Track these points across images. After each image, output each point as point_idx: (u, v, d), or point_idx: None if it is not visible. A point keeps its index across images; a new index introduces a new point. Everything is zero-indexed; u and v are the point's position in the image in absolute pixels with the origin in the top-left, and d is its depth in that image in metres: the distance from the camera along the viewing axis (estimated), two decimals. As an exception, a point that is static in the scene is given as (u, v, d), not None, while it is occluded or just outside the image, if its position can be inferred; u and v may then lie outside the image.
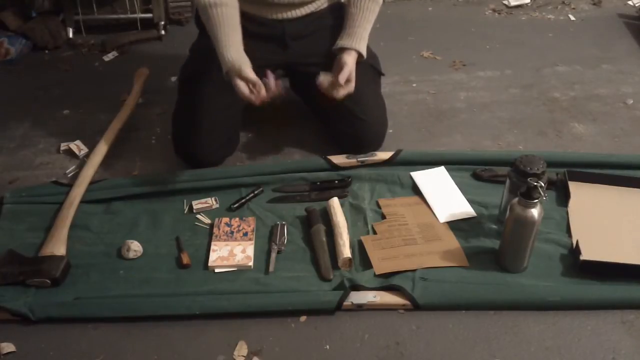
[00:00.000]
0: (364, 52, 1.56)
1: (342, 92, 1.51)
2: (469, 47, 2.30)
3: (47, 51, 2.30)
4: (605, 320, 1.24)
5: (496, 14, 2.57)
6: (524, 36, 2.38)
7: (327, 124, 1.74)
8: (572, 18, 2.52)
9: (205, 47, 1.65)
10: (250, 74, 1.43)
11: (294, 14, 1.59)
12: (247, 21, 1.53)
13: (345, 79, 1.49)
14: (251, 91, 1.44)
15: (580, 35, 2.39)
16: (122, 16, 2.40)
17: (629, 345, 1.20)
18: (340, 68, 1.51)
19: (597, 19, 2.51)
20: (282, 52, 1.61)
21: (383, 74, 1.75)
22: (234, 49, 1.45)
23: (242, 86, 1.44)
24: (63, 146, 1.76)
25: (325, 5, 1.64)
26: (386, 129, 1.71)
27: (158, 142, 1.79)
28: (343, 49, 1.54)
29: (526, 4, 2.62)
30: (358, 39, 1.55)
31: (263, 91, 1.44)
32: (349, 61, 1.52)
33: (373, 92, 1.69)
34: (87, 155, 1.68)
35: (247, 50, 1.53)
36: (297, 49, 1.62)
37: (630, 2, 2.61)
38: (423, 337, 1.22)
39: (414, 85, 2.07)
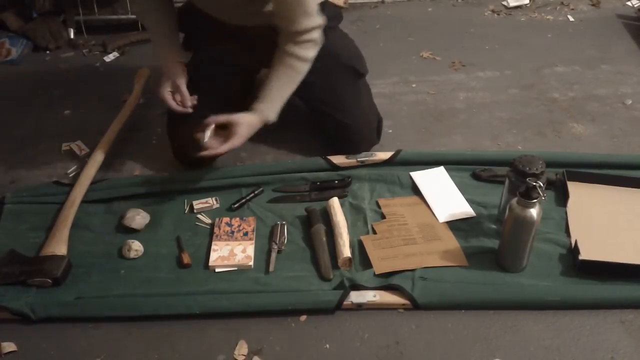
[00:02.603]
0: (272, 117, 1.48)
1: (223, 149, 1.45)
2: (468, 48, 2.31)
3: (48, 52, 2.30)
4: (604, 319, 1.25)
5: (495, 15, 2.58)
6: (523, 37, 2.39)
7: (320, 127, 1.74)
8: (571, 19, 2.53)
9: (196, 46, 1.66)
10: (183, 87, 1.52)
11: (253, 20, 1.55)
12: (213, 24, 1.54)
13: (228, 149, 1.45)
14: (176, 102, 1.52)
15: (579, 36, 2.39)
16: (123, 17, 2.40)
17: (628, 345, 1.20)
18: (232, 133, 1.44)
19: (596, 19, 2.52)
20: (252, 54, 1.59)
21: (364, 73, 1.71)
22: (170, 59, 1.54)
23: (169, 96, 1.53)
24: (64, 146, 1.77)
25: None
26: (374, 128, 1.70)
27: (159, 142, 1.79)
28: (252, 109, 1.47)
29: (525, 4, 2.63)
30: (269, 104, 1.47)
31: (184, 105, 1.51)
32: (243, 131, 1.44)
33: (354, 95, 1.67)
34: (88, 156, 1.68)
35: (216, 54, 1.58)
36: (267, 50, 1.60)
37: (629, 3, 2.62)
38: (423, 337, 1.22)
39: (414, 85, 2.08)
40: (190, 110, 1.52)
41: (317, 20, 1.44)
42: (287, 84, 1.49)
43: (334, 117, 1.62)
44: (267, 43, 1.53)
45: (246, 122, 1.45)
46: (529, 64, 2.19)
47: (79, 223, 1.46)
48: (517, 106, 1.95)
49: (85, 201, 1.51)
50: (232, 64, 1.62)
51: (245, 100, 1.68)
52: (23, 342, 1.22)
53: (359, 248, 1.39)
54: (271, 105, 1.47)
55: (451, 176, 1.60)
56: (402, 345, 1.21)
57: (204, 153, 1.45)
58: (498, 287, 1.30)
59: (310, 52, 1.47)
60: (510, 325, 1.24)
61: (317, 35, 1.46)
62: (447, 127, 1.86)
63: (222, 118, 1.45)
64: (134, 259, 1.38)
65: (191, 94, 1.55)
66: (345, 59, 1.62)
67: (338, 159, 1.64)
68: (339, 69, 1.58)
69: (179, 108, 1.52)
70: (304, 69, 1.49)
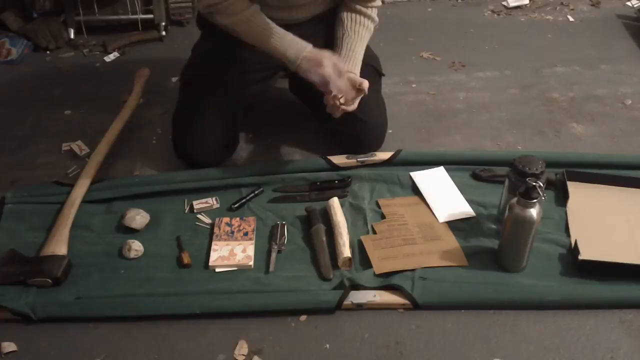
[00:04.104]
0: (358, 74, 1.54)
1: (355, 104, 1.49)
2: (468, 48, 2.31)
3: (48, 52, 2.30)
4: (603, 319, 1.25)
5: (495, 15, 2.58)
6: (523, 37, 2.39)
7: (326, 125, 1.74)
8: (571, 19, 2.53)
9: (208, 49, 1.65)
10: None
11: (297, 16, 1.58)
12: None
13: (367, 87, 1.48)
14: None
15: (579, 36, 2.39)
16: (123, 17, 2.40)
17: (628, 345, 1.20)
18: (357, 82, 1.46)
19: (596, 19, 2.52)
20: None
21: (383, 75, 1.76)
22: (307, 45, 1.45)
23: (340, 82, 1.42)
24: (64, 146, 1.77)
25: (324, 9, 1.63)
26: (386, 130, 1.72)
27: (159, 142, 1.79)
28: None
29: (525, 5, 2.63)
30: (357, 63, 1.54)
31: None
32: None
33: (373, 93, 1.69)
34: (88, 156, 1.68)
35: (248, 53, 1.54)
36: None
37: (628, 3, 2.62)
38: (423, 337, 1.23)
39: (414, 85, 2.08)
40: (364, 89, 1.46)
41: None
42: (365, 44, 1.58)
43: (352, 112, 1.61)
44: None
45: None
46: (529, 64, 2.19)
47: (79, 223, 1.46)
48: (517, 106, 1.96)
49: (85, 201, 1.51)
50: (257, 61, 1.60)
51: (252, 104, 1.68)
52: (23, 342, 1.22)
53: (359, 248, 1.39)
54: (359, 64, 1.55)
55: (451, 176, 1.60)
56: (402, 345, 1.21)
57: (345, 108, 1.47)
58: (498, 287, 1.30)
59: (377, 16, 1.60)
60: (510, 325, 1.24)
61: (380, 1, 1.59)
62: (447, 127, 1.86)
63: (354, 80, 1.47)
64: (134, 259, 1.38)
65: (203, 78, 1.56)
66: (367, 58, 1.63)
67: (338, 159, 1.64)
68: (362, 66, 1.58)
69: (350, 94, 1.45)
70: (373, 29, 1.60)
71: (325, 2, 1.61)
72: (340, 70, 1.42)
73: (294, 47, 1.45)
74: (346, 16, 1.57)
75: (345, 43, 1.55)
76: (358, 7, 1.56)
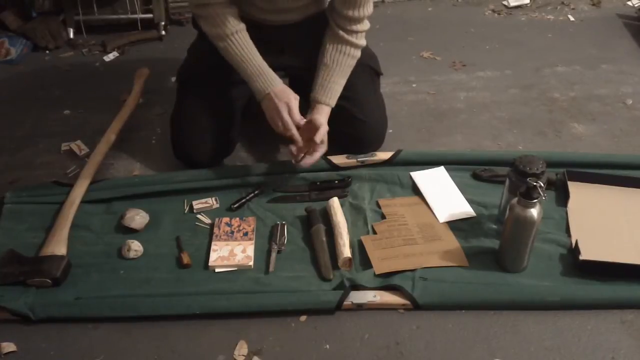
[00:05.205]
0: (334, 105, 1.54)
1: (317, 155, 1.51)
2: (468, 48, 2.31)
3: (47, 51, 2.30)
4: (604, 320, 1.25)
5: (496, 15, 2.58)
6: (523, 36, 2.39)
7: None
8: (572, 18, 2.53)
9: (204, 49, 1.65)
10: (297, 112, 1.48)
11: (290, 18, 1.58)
12: (246, 25, 1.53)
13: (321, 139, 1.48)
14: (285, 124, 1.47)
15: (580, 36, 2.39)
16: (122, 16, 2.40)
17: (628, 345, 1.20)
18: (315, 128, 1.48)
19: (597, 19, 2.52)
20: (279, 57, 1.61)
21: (381, 74, 1.76)
22: (278, 81, 1.49)
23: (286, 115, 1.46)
24: (64, 146, 1.77)
25: (316, 10, 1.61)
26: (386, 129, 1.72)
27: (158, 142, 1.79)
28: (315, 103, 1.53)
29: (526, 4, 2.63)
30: (332, 94, 1.53)
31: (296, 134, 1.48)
32: (323, 121, 1.50)
33: (372, 93, 1.69)
34: (88, 155, 1.68)
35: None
36: (294, 54, 1.62)
37: (629, 3, 2.62)
38: (423, 337, 1.22)
39: (414, 85, 2.07)
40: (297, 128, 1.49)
41: (371, 8, 1.52)
42: (347, 71, 1.56)
43: (351, 112, 1.61)
44: (294, 49, 1.58)
45: (325, 125, 1.50)
46: (530, 63, 2.19)
47: (78, 223, 1.45)
48: (518, 106, 1.95)
49: (84, 201, 1.51)
50: None
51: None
52: (23, 343, 1.22)
53: (359, 248, 1.39)
54: (336, 95, 1.54)
55: (451, 176, 1.59)
56: (403, 345, 1.21)
57: (302, 163, 1.52)
58: (498, 287, 1.29)
59: (364, 40, 1.56)
60: (511, 326, 1.24)
61: (369, 24, 1.55)
62: (448, 127, 1.86)
63: (303, 123, 1.49)
64: (133, 259, 1.38)
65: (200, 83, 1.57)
66: (365, 58, 1.63)
67: (338, 159, 1.63)
68: (358, 67, 1.58)
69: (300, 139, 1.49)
70: (359, 54, 1.57)
71: (315, 5, 1.59)
72: (296, 121, 1.47)
73: (263, 79, 1.47)
74: (329, 45, 1.54)
75: (323, 73, 1.53)
76: (341, 33, 1.52)
